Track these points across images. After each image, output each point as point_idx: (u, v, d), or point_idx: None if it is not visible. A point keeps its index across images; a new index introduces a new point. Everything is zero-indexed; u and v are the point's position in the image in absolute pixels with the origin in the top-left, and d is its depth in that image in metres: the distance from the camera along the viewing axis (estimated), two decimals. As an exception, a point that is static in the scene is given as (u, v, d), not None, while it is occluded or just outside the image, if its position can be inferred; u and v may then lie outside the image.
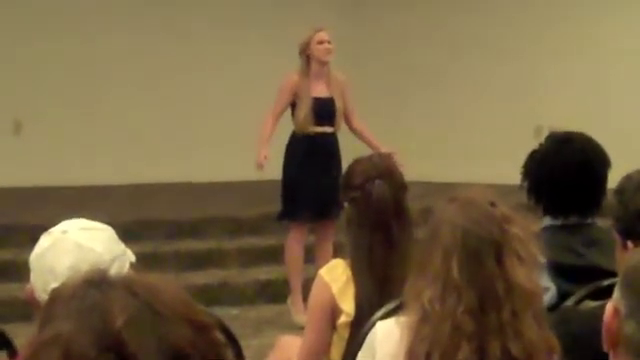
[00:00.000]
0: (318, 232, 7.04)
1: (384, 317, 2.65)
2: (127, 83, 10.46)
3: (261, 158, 6.85)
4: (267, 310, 7.34)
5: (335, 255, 4.31)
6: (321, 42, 6.84)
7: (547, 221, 3.40)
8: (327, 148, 6.88)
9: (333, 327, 3.31)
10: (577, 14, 9.98)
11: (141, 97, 10.49)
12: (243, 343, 3.23)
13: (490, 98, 10.35)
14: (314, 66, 6.85)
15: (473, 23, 10.39)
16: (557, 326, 2.26)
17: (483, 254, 2.20)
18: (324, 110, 6.83)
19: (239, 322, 6.47)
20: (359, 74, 8.71)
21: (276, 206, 7.10)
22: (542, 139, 3.56)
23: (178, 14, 10.68)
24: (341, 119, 6.96)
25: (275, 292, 7.45)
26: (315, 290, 3.35)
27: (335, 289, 3.28)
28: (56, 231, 2.48)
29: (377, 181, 3.33)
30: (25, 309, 2.66)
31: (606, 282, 2.92)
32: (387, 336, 2.39)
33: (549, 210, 3.40)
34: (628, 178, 2.81)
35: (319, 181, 6.68)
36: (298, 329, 5.09)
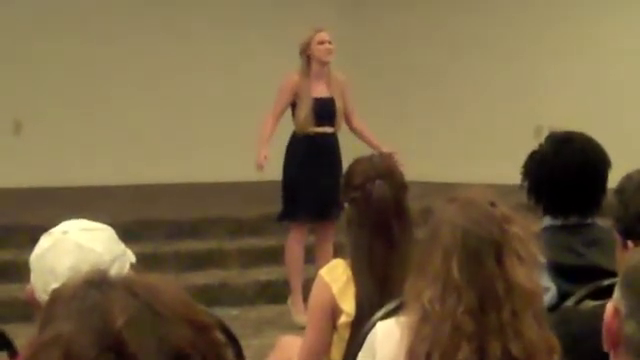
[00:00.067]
0: (318, 232, 7.04)
1: (384, 317, 2.65)
2: (127, 83, 10.46)
3: (261, 158, 6.84)
4: (267, 310, 7.34)
5: (335, 255, 4.31)
6: (322, 42, 6.84)
7: (547, 221, 3.40)
8: (327, 148, 6.87)
9: (333, 327, 3.31)
10: (577, 14, 9.99)
11: (141, 97, 10.50)
12: (243, 343, 3.23)
13: (490, 98, 10.36)
14: (314, 66, 6.85)
15: (473, 23, 10.39)
16: (557, 326, 2.25)
17: (483, 254, 2.20)
18: (324, 110, 6.83)
19: (239, 322, 6.46)
20: (359, 74, 8.71)
21: (276, 207, 7.10)
22: (542, 139, 3.56)
23: (178, 14, 10.68)
24: (341, 119, 6.96)
25: (275, 292, 7.45)
26: (315, 290, 3.35)
27: (335, 289, 3.28)
28: (56, 232, 2.48)
29: (377, 181, 3.33)
30: (25, 310, 2.66)
31: (606, 282, 2.92)
32: (387, 336, 2.39)
33: (549, 210, 3.40)
34: (628, 178, 2.81)
35: (319, 181, 6.67)
36: (298, 329, 5.09)
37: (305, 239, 7.02)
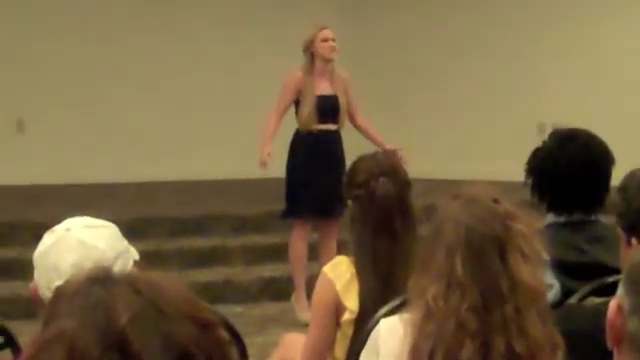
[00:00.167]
0: (322, 230, 7.04)
1: (388, 314, 2.65)
2: (130, 82, 10.48)
3: (264, 156, 6.84)
4: (271, 308, 7.34)
5: (339, 253, 4.31)
6: (325, 40, 6.83)
7: (550, 218, 3.39)
8: (331, 146, 6.87)
9: (337, 324, 3.31)
10: (577, 14, 9.98)
11: (143, 96, 10.51)
12: (247, 341, 3.23)
13: (493, 96, 10.36)
14: (318, 64, 6.85)
15: (474, 23, 10.40)
16: (561, 323, 2.25)
17: (487, 251, 2.20)
18: (328, 108, 6.83)
19: (243, 320, 6.47)
20: (360, 73, 8.70)
21: (280, 204, 7.10)
22: (545, 136, 3.55)
23: (179, 14, 10.69)
24: (345, 117, 6.96)
25: (279, 290, 7.45)
26: (319, 287, 3.35)
27: (339, 286, 3.28)
28: (60, 229, 2.48)
29: (381, 178, 3.33)
30: (29, 307, 2.66)
31: (610, 279, 2.92)
32: (391, 333, 2.38)
33: (553, 207, 3.40)
34: (631, 175, 2.81)
35: (323, 179, 6.67)
36: (302, 326, 5.09)
37: (309, 236, 7.03)
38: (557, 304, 2.95)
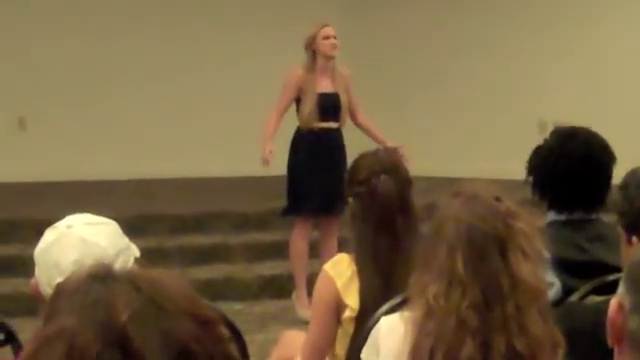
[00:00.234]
0: (323, 227, 7.04)
1: (388, 312, 2.65)
2: (130, 80, 10.49)
3: (266, 153, 6.84)
4: (272, 305, 7.34)
5: (340, 250, 4.31)
6: (327, 37, 6.83)
7: (551, 216, 3.39)
8: (332, 143, 6.87)
9: (337, 322, 3.31)
10: (577, 14, 9.98)
11: (144, 93, 10.52)
12: (248, 338, 3.23)
13: (493, 94, 10.36)
14: (320, 61, 6.85)
15: (474, 22, 10.40)
16: (562, 321, 2.25)
17: (488, 249, 2.20)
18: (329, 105, 6.83)
19: (244, 317, 6.47)
20: (361, 70, 8.70)
21: (281, 201, 7.10)
22: (546, 134, 3.55)
23: (179, 13, 10.69)
24: (346, 114, 6.96)
25: (280, 287, 7.45)
26: (320, 285, 3.35)
27: (340, 284, 3.28)
28: (61, 226, 2.48)
29: (382, 176, 3.32)
30: (30, 304, 2.66)
31: (611, 277, 2.92)
32: (391, 331, 2.38)
33: (554, 205, 3.40)
34: (632, 173, 2.81)
35: (324, 176, 6.67)
36: (303, 324, 5.09)
37: (310, 234, 7.03)
38: (558, 302, 2.95)
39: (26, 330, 2.06)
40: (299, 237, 6.96)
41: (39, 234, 2.52)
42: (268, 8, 10.74)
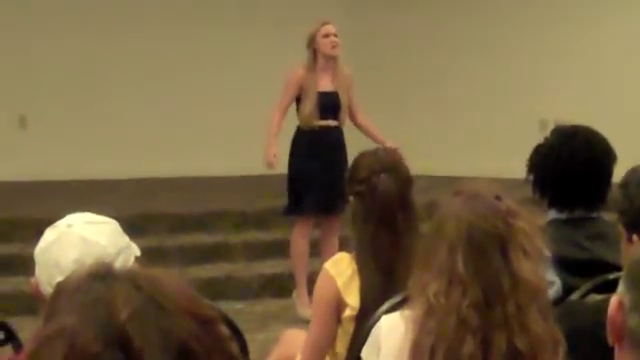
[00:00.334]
0: (324, 226, 7.04)
1: (389, 311, 2.65)
2: (131, 79, 10.48)
3: (270, 157, 6.85)
4: (272, 304, 7.34)
5: (341, 249, 4.31)
6: (327, 35, 6.82)
7: (552, 214, 3.39)
8: (332, 142, 6.87)
9: (338, 321, 3.31)
10: (577, 14, 9.99)
11: (145, 93, 10.52)
12: (248, 337, 3.23)
13: (494, 93, 10.36)
14: (320, 60, 6.84)
15: (475, 22, 10.40)
16: (562, 320, 2.25)
17: (488, 248, 2.20)
18: (329, 104, 6.82)
19: (244, 316, 6.47)
20: (362, 69, 8.70)
21: (282, 200, 7.10)
22: (547, 133, 3.55)
23: (179, 13, 10.69)
24: (345, 113, 6.95)
25: (280, 286, 7.45)
26: (320, 283, 3.35)
27: (340, 283, 3.28)
28: (61, 225, 2.48)
29: (382, 175, 3.32)
30: (31, 303, 2.66)
31: (611, 276, 2.92)
32: (392, 330, 2.38)
33: (554, 203, 3.40)
34: (633, 172, 2.81)
35: (324, 175, 6.67)
36: (303, 323, 5.09)
37: (310, 233, 7.03)
38: (558, 301, 2.95)
39: (26, 329, 2.06)
40: (300, 236, 6.95)
41: (39, 233, 2.51)
42: (268, 8, 10.74)
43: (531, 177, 3.46)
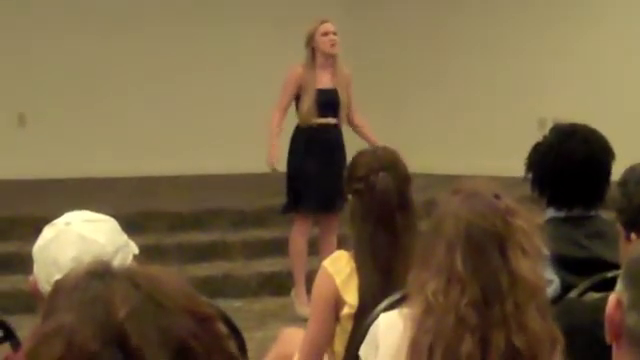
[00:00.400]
0: (322, 225, 7.03)
1: (387, 309, 2.65)
2: (130, 77, 10.49)
3: (273, 160, 6.85)
4: (271, 302, 7.34)
5: (339, 247, 4.31)
6: (325, 33, 6.82)
7: (551, 213, 3.40)
8: (331, 140, 6.86)
9: (336, 319, 3.31)
10: (577, 14, 9.99)
11: (143, 92, 10.52)
12: (246, 335, 3.23)
13: (493, 91, 10.36)
14: (319, 58, 6.84)
15: (474, 21, 10.41)
16: (560, 318, 2.25)
17: (487, 246, 2.20)
18: (328, 101, 6.81)
19: (242, 314, 6.48)
20: (362, 69, 8.70)
21: (280, 198, 7.10)
22: (546, 131, 3.55)
23: (179, 13, 10.68)
24: (344, 111, 6.93)
25: (279, 284, 7.45)
26: (319, 281, 3.35)
27: (338, 281, 3.28)
28: (59, 223, 2.48)
29: (381, 173, 3.32)
30: (29, 301, 2.66)
31: (610, 274, 2.92)
32: (390, 328, 2.38)
33: (553, 202, 3.40)
34: (631, 170, 2.81)
35: (323, 173, 6.66)
36: (301, 321, 5.09)
37: (309, 231, 7.02)
38: (557, 299, 2.96)
39: (25, 327, 2.06)
40: (298, 234, 6.95)
41: (38, 231, 2.51)
42: (268, 7, 10.73)
43: (530, 175, 3.46)
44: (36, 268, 2.46)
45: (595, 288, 2.98)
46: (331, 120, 6.87)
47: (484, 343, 2.15)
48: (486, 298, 2.18)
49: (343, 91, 6.89)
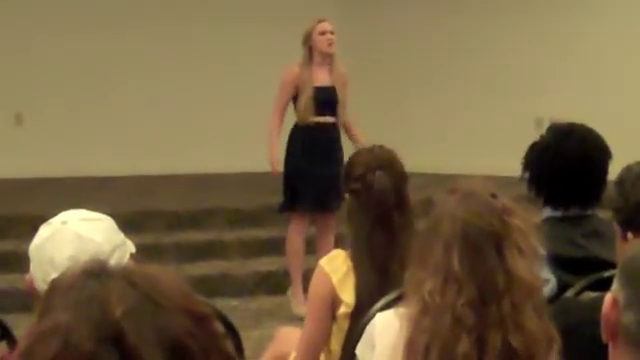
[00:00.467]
0: (319, 224, 7.03)
1: (384, 308, 2.65)
2: (127, 76, 10.48)
3: (276, 166, 6.84)
4: (267, 301, 7.34)
5: (336, 247, 4.31)
6: (323, 33, 6.81)
7: (547, 212, 3.40)
8: (328, 139, 6.85)
9: (333, 318, 3.31)
10: (576, 13, 9.99)
11: (141, 90, 10.52)
12: (243, 334, 3.23)
13: (491, 90, 10.37)
14: (317, 57, 6.83)
15: (473, 20, 10.41)
16: (557, 317, 2.25)
17: (484, 246, 2.20)
18: (326, 99, 6.80)
19: (239, 313, 6.48)
20: (361, 68, 8.71)
21: (277, 197, 7.09)
22: (543, 131, 3.55)
23: (179, 12, 10.68)
24: (343, 109, 6.92)
25: (275, 283, 7.45)
26: (315, 280, 3.35)
27: (335, 279, 3.28)
28: (56, 222, 2.48)
29: (378, 172, 3.32)
30: (26, 300, 2.66)
31: (606, 273, 2.92)
32: (386, 327, 2.38)
33: (549, 201, 3.40)
34: (628, 169, 2.81)
35: (320, 172, 6.66)
36: (298, 320, 5.09)
37: (306, 230, 7.02)
38: (553, 298, 2.96)
39: (21, 326, 2.06)
40: (295, 233, 6.95)
41: (34, 230, 2.51)
42: (268, 7, 10.73)
43: (526, 175, 3.46)
44: (32, 267, 2.46)
45: (591, 287, 2.98)
46: (329, 119, 6.87)
47: (481, 343, 2.15)
48: (483, 298, 2.17)
49: (340, 89, 6.89)
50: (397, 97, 10.70)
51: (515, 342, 2.15)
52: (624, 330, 1.53)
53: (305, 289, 5.37)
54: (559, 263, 3.20)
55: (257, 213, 8.40)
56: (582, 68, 9.91)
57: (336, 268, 3.30)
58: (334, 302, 3.29)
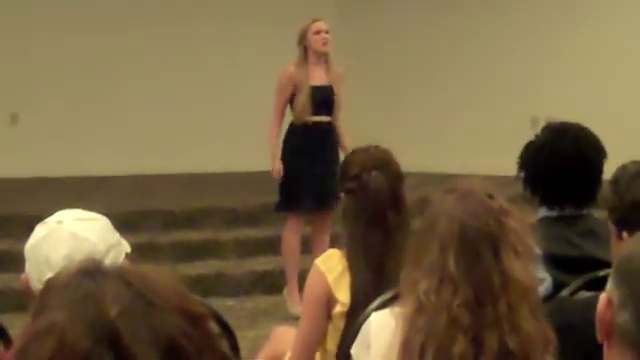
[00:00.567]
0: (315, 223, 7.03)
1: (379, 308, 2.65)
2: (124, 76, 10.48)
3: (277, 172, 6.84)
4: (263, 301, 7.34)
5: (332, 246, 4.31)
6: (318, 32, 6.81)
7: (543, 212, 3.40)
8: (325, 138, 6.85)
9: (328, 317, 3.30)
10: (576, 13, 9.99)
11: (137, 90, 10.50)
12: (239, 334, 3.23)
13: (487, 90, 10.37)
14: (312, 57, 6.83)
15: (471, 19, 10.41)
16: (552, 316, 2.25)
17: (480, 247, 2.20)
18: (322, 98, 6.79)
19: (235, 313, 6.48)
20: (359, 68, 8.71)
21: (273, 197, 7.09)
22: (538, 130, 3.55)
23: (179, 12, 10.67)
24: (339, 109, 6.92)
25: (271, 283, 7.45)
26: (311, 280, 3.34)
27: (331, 279, 3.28)
28: (51, 221, 2.48)
29: (373, 172, 3.33)
30: (21, 299, 2.66)
31: (601, 273, 2.93)
32: (382, 327, 2.38)
33: (545, 201, 3.40)
34: (623, 168, 2.82)
35: (316, 172, 6.66)
36: (294, 320, 5.09)
37: (302, 230, 7.02)
38: (548, 298, 2.96)
39: (16, 326, 2.06)
40: (291, 233, 6.94)
41: (30, 229, 2.51)
42: (268, 7, 10.72)
43: (522, 174, 3.46)
44: (28, 266, 2.46)
45: (587, 287, 2.98)
46: (325, 118, 6.87)
47: (477, 344, 2.15)
48: (478, 298, 2.17)
49: (336, 89, 6.89)
50: (397, 97, 10.70)
51: (511, 343, 2.15)
52: (619, 330, 1.53)
53: (301, 289, 5.37)
54: (554, 262, 3.20)
55: (253, 212, 8.40)
56: (578, 68, 9.92)
57: (332, 267, 3.30)
58: (330, 301, 3.28)
